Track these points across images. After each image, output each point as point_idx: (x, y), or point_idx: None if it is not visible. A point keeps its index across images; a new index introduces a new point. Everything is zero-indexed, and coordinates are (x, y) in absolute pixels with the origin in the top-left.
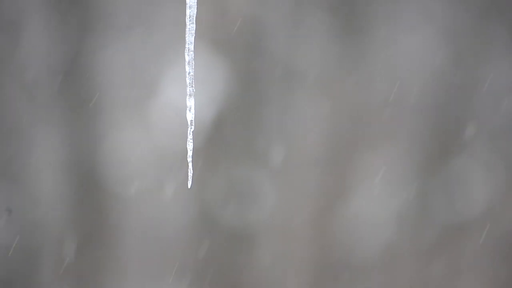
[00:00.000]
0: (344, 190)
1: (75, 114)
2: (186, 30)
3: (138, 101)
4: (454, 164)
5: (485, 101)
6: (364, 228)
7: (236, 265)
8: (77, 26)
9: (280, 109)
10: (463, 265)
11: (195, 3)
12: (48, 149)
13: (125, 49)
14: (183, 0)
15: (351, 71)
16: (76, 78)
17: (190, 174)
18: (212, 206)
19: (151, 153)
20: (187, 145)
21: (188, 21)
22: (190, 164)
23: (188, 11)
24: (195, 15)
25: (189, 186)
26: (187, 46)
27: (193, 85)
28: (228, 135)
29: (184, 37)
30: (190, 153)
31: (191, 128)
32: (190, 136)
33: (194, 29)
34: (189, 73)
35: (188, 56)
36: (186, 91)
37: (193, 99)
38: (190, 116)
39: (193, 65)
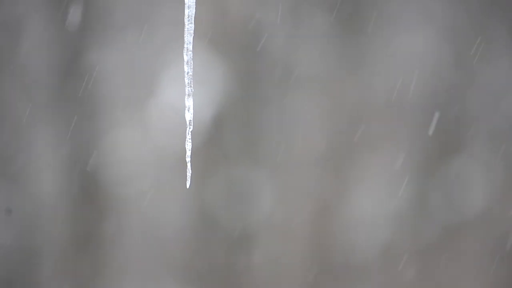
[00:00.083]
0: (344, 190)
1: (75, 114)
2: (185, 30)
3: (137, 101)
4: (454, 164)
5: (485, 101)
6: (363, 228)
7: (236, 265)
8: (77, 26)
9: (280, 109)
10: (463, 265)
11: (194, 3)
12: (48, 149)
13: (124, 49)
14: (182, 0)
15: (351, 71)
16: (76, 78)
17: (188, 174)
18: (211, 206)
19: (150, 153)
20: (186, 145)
21: (186, 21)
22: (188, 164)
23: (186, 11)
24: (193, 15)
25: (187, 186)
26: (185, 46)
27: (192, 85)
28: (227, 135)
29: (183, 37)
30: (188, 153)
31: (189, 128)
32: (188, 136)
33: (193, 29)
34: (187, 73)
35: (187, 56)
36: (184, 91)
37: (191, 99)
38: (188, 116)
39: (191, 65)
